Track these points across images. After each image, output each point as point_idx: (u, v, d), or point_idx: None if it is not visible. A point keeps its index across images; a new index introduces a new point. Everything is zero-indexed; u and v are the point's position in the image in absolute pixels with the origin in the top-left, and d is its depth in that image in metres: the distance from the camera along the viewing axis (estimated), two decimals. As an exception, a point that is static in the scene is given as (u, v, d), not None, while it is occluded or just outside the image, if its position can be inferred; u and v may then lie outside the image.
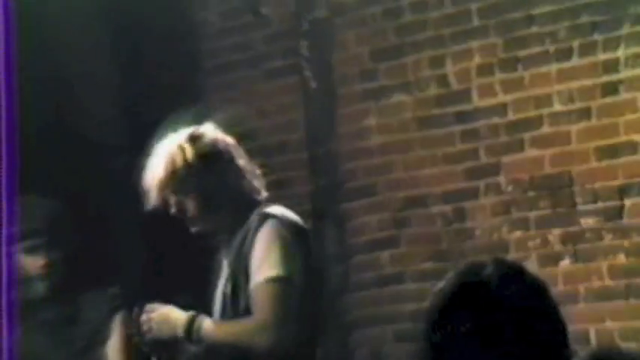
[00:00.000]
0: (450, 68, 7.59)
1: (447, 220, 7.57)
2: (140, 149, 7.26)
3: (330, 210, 8.03)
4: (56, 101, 7.60)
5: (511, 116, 7.34)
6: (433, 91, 7.63)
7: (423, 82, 7.67)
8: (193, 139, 5.27)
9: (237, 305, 5.13)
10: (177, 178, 5.18)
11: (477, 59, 7.48)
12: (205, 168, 5.24)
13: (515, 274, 2.99)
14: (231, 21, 8.42)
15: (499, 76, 7.39)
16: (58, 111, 7.59)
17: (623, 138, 6.97)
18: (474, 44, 7.48)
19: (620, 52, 7.00)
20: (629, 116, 6.96)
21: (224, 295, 5.25)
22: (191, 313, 5.24)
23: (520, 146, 7.32)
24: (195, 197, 5.20)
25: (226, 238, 5.30)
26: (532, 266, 7.13)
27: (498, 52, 7.40)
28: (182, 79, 8.25)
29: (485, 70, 7.45)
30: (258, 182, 5.44)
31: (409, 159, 7.72)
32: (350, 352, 7.80)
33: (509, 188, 7.36)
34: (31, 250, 6.22)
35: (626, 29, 6.97)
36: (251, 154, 7.94)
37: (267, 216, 5.19)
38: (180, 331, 5.09)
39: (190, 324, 5.12)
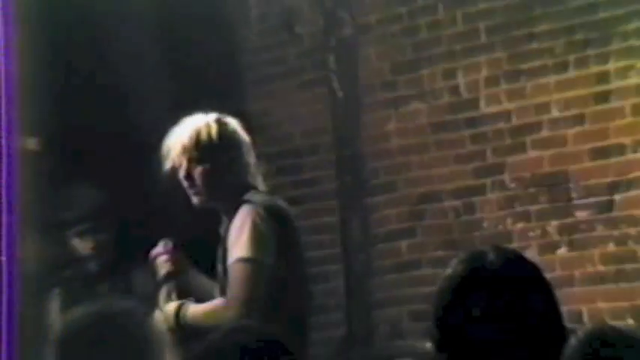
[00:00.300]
0: (460, 79, 7.58)
1: (457, 213, 7.58)
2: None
3: (355, 204, 8.00)
4: (107, 103, 7.59)
5: (514, 121, 7.35)
6: (446, 99, 7.64)
7: (437, 91, 7.67)
8: (220, 122, 5.35)
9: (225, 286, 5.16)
10: (199, 147, 5.24)
11: (485, 72, 7.48)
12: (223, 148, 5.28)
13: (514, 259, 3.04)
14: (268, 38, 8.41)
15: (504, 86, 7.40)
16: (108, 114, 7.56)
17: (612, 141, 6.96)
18: (482, 58, 7.48)
19: (611, 65, 6.99)
20: (618, 122, 6.94)
21: (218, 276, 5.29)
22: (179, 302, 5.28)
23: (522, 148, 7.32)
24: (207, 170, 5.24)
25: (225, 222, 5.31)
26: (532, 254, 7.10)
27: (503, 65, 7.40)
28: (225, 90, 8.17)
29: (491, 81, 7.46)
30: (260, 182, 5.42)
31: (424, 159, 7.71)
32: (373, 328, 7.80)
33: (513, 185, 7.36)
34: (81, 234, 6.45)
35: (615, 45, 6.95)
36: (287, 155, 8.14)
37: (244, 202, 5.20)
38: (171, 323, 5.10)
39: (177, 312, 5.15)
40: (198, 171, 5.26)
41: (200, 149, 5.25)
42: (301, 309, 5.30)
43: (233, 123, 5.42)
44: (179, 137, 5.32)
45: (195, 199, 5.32)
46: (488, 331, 2.89)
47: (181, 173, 5.29)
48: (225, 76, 8.31)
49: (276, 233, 5.16)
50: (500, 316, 2.90)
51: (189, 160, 5.26)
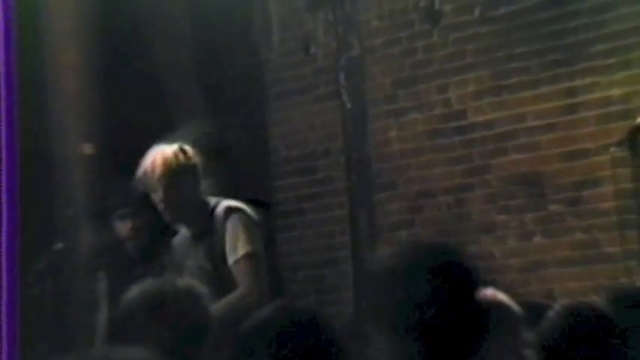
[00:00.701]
0: (451, 94, 7.58)
1: (449, 207, 7.57)
2: (212, 149, 7.48)
3: (362, 200, 7.96)
4: (150, 113, 7.55)
5: (497, 129, 7.36)
6: (439, 110, 7.63)
7: (431, 104, 7.67)
8: (183, 151, 5.28)
9: (218, 279, 5.07)
10: (171, 175, 5.20)
11: (472, 87, 7.48)
12: (187, 174, 5.25)
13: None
14: (288, 59, 8.39)
15: (488, 99, 7.41)
16: (150, 121, 7.74)
17: (579, 146, 7.00)
18: (469, 76, 7.49)
19: (577, 82, 7.03)
20: (584, 130, 6.98)
21: (203, 270, 5.17)
22: None
23: (504, 152, 7.33)
24: (177, 193, 5.22)
25: (194, 230, 5.28)
26: (512, 241, 7.25)
27: (487, 81, 7.41)
28: (251, 103, 8.32)
29: (477, 95, 7.47)
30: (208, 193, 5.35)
31: (421, 161, 7.69)
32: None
33: (496, 183, 7.38)
34: (121, 217, 6.33)
35: (581, 65, 6.99)
36: (303, 157, 8.15)
37: (232, 208, 5.20)
38: None
39: None
40: (171, 194, 5.21)
41: (172, 176, 5.21)
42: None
43: (190, 150, 5.34)
44: (152, 166, 5.27)
45: (167, 218, 5.34)
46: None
47: (157, 198, 5.27)
48: (251, 91, 8.38)
49: (259, 227, 5.24)
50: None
51: (164, 186, 5.21)
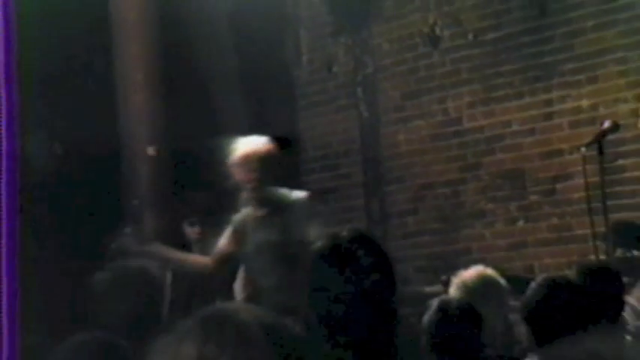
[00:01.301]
0: (449, 104, 7.55)
1: (447, 198, 7.54)
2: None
3: (375, 191, 7.96)
4: (202, 121, 7.49)
5: (486, 133, 7.34)
6: (439, 118, 7.61)
7: (433, 112, 7.65)
8: (271, 142, 5.25)
9: (283, 253, 5.00)
10: (261, 160, 5.12)
11: (466, 99, 7.46)
12: (273, 161, 5.18)
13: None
14: (314, 75, 8.38)
15: (479, 109, 7.39)
16: (202, 128, 7.57)
17: (555, 147, 6.99)
18: (464, 89, 7.46)
19: (553, 94, 7.00)
20: (559, 134, 6.97)
21: (270, 244, 5.10)
22: None
23: (492, 152, 7.31)
24: (265, 176, 5.14)
25: (267, 210, 5.17)
26: (499, 226, 7.26)
27: (479, 94, 7.38)
28: (284, 113, 8.29)
29: (471, 105, 7.44)
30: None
31: (424, 160, 7.67)
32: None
33: (486, 178, 7.35)
34: (191, 224, 6.37)
35: (556, 80, 6.97)
36: (327, 157, 8.12)
37: (299, 200, 5.18)
38: None
39: None
40: (264, 176, 5.15)
41: (262, 162, 5.15)
42: None
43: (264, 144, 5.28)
44: (246, 153, 5.19)
45: (251, 195, 5.22)
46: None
47: (244, 180, 5.18)
48: (283, 102, 8.39)
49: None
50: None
51: (254, 170, 5.14)
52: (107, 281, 3.72)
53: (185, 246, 6.48)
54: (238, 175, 5.19)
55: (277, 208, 5.17)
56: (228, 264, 5.40)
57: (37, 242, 6.23)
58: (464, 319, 3.60)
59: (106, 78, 7.22)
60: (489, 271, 4.68)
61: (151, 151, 7.11)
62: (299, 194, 5.25)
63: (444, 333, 3.54)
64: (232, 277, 6.12)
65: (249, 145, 5.25)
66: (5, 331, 1.66)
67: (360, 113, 8.06)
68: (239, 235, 5.24)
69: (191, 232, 6.40)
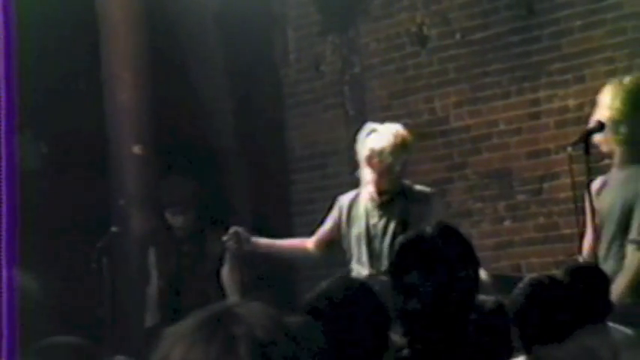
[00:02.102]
0: (436, 103, 7.53)
1: None
2: (244, 150, 7.36)
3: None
4: (190, 120, 7.62)
5: (473, 133, 7.33)
6: (426, 117, 7.59)
7: (420, 112, 7.63)
8: (404, 129, 5.41)
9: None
10: (402, 148, 5.30)
11: (453, 98, 7.44)
12: (407, 149, 5.33)
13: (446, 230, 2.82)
14: (302, 74, 8.35)
15: (466, 108, 7.38)
16: (191, 126, 7.63)
17: (541, 146, 6.97)
18: (451, 89, 7.45)
19: (540, 94, 7.00)
20: (545, 133, 6.96)
21: (386, 229, 5.21)
22: None
23: (479, 151, 7.32)
24: (401, 161, 5.33)
25: (388, 196, 5.30)
26: (486, 225, 7.25)
27: (466, 93, 7.37)
28: (272, 111, 8.32)
29: (457, 104, 7.43)
30: None
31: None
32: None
33: (473, 177, 7.36)
34: (173, 213, 6.34)
35: (543, 80, 6.97)
36: (315, 155, 8.13)
37: (436, 194, 5.45)
38: None
39: None
40: (398, 162, 5.28)
41: (402, 149, 5.31)
42: None
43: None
44: (387, 141, 5.28)
45: (384, 184, 5.35)
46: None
47: (384, 163, 5.29)
48: (271, 101, 8.39)
49: None
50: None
51: (395, 156, 5.29)
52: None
53: (166, 231, 6.50)
54: (370, 159, 5.29)
55: (394, 198, 5.26)
56: (330, 247, 5.53)
57: (22, 242, 6.22)
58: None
59: (93, 76, 7.22)
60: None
61: (137, 150, 7.12)
62: (425, 188, 5.38)
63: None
64: (219, 263, 6.20)
65: (392, 132, 5.32)
66: (5, 331, 1.68)
67: (347, 112, 8.04)
68: (345, 218, 5.38)
69: (173, 220, 6.39)
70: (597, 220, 4.99)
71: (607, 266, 4.82)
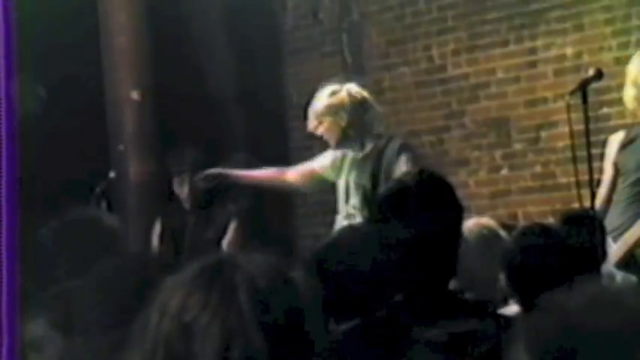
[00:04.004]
0: (434, 51, 7.53)
1: (432, 145, 7.51)
2: (242, 97, 7.32)
3: None
4: (188, 65, 7.60)
5: (471, 81, 7.32)
6: (424, 65, 7.59)
7: (418, 60, 7.63)
8: (347, 90, 5.41)
9: (371, 198, 5.05)
10: (356, 103, 5.30)
11: (451, 46, 7.43)
12: (353, 108, 5.30)
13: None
14: (299, 22, 8.30)
15: (464, 56, 7.37)
16: (189, 72, 7.62)
17: (539, 95, 6.98)
18: (449, 37, 7.44)
19: (539, 42, 7.00)
20: (543, 81, 6.96)
21: (360, 187, 5.20)
22: None
23: (477, 99, 7.31)
24: (344, 122, 5.28)
25: (360, 153, 5.26)
26: (483, 174, 7.30)
27: (464, 41, 7.36)
28: (269, 59, 8.31)
29: (456, 52, 7.42)
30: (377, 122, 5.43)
31: (408, 107, 7.63)
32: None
33: (470, 125, 7.36)
34: (180, 182, 6.31)
35: (542, 28, 6.96)
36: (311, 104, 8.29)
37: (407, 145, 5.32)
38: None
39: None
40: (355, 120, 5.27)
41: (338, 109, 5.32)
42: None
43: (355, 89, 5.41)
44: (321, 102, 5.36)
45: (341, 140, 5.33)
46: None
47: (339, 123, 5.29)
48: (269, 48, 8.37)
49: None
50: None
51: (330, 116, 5.31)
52: (57, 231, 3.63)
53: (172, 201, 6.50)
54: (328, 120, 5.29)
55: (368, 154, 5.24)
56: (314, 181, 5.52)
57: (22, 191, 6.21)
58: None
59: (90, 19, 7.16)
60: (485, 221, 4.64)
61: (135, 95, 7.09)
62: (396, 140, 5.29)
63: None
64: (223, 232, 6.20)
65: (337, 93, 5.38)
66: (5, 328, 1.62)
67: (345, 60, 8.03)
68: (335, 167, 5.34)
69: (180, 190, 6.36)
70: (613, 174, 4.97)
71: (619, 221, 4.82)
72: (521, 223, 6.75)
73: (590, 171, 5.22)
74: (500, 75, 7.22)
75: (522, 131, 7.11)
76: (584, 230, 3.98)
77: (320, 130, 5.36)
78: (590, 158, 5.05)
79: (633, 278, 4.50)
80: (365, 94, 5.39)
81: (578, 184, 5.26)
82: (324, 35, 8.22)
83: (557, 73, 6.91)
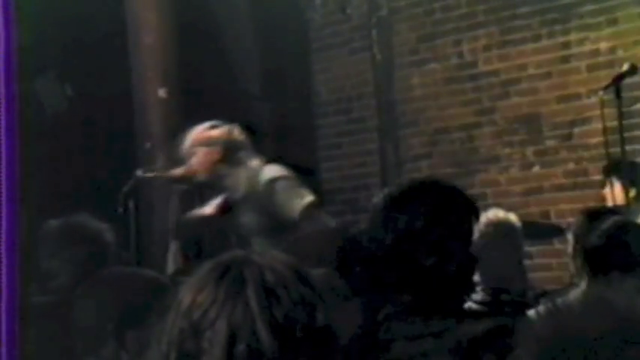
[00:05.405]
0: (464, 47, 7.51)
1: (462, 142, 7.50)
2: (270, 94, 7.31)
3: (389, 135, 7.86)
4: (215, 63, 7.61)
5: (502, 77, 7.30)
6: (454, 61, 7.56)
7: (448, 56, 7.60)
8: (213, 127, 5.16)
9: (276, 230, 4.81)
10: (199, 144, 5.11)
11: (482, 41, 7.41)
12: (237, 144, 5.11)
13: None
14: (328, 18, 8.22)
15: (495, 52, 7.35)
16: (215, 70, 7.67)
17: (571, 91, 6.96)
18: (480, 32, 7.42)
19: (571, 37, 6.98)
20: (576, 77, 6.94)
21: (261, 224, 4.98)
22: None
23: (508, 96, 7.27)
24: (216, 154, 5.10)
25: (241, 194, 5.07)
26: (515, 171, 7.25)
27: (495, 37, 7.34)
28: (298, 55, 8.29)
29: (487, 48, 7.40)
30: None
31: (438, 104, 7.61)
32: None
33: (501, 122, 7.31)
34: None
35: (574, 23, 6.94)
36: (341, 100, 8.13)
37: (276, 178, 4.99)
38: None
39: None
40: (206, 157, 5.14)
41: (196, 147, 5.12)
42: None
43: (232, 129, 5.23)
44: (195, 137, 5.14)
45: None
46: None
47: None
48: (297, 44, 8.35)
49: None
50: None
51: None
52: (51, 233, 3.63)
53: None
54: (200, 158, 5.14)
55: (248, 195, 5.05)
56: None
57: (48, 187, 6.21)
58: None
59: (118, 18, 7.17)
60: (502, 214, 4.62)
61: (162, 93, 7.08)
62: (272, 172, 5.06)
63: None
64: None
65: (209, 129, 5.16)
66: (4, 329, 1.63)
67: (374, 56, 7.97)
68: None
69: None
70: None
71: None
72: (554, 221, 6.77)
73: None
74: (531, 70, 7.18)
75: (554, 128, 7.06)
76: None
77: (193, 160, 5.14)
78: (623, 155, 5.02)
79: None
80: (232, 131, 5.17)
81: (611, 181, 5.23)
82: (352, 31, 8.20)
83: (591, 68, 6.87)
